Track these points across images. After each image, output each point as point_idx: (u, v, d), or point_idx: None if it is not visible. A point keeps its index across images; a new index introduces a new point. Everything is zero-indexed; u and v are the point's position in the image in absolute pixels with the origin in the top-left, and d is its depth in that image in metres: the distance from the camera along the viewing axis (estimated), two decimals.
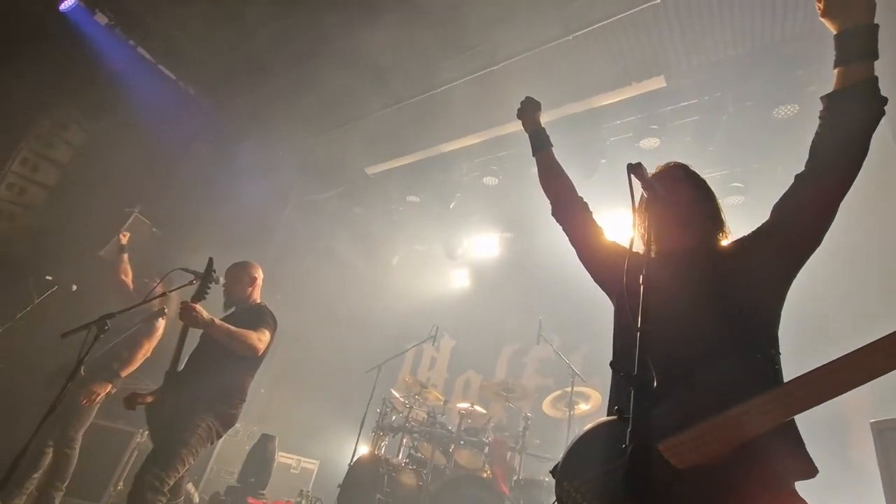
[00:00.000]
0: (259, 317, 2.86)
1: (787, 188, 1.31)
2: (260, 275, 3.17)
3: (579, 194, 1.84)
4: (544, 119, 2.28)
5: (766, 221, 1.34)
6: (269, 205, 6.79)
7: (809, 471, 1.06)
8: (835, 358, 0.84)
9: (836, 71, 1.23)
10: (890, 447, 2.00)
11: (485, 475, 4.14)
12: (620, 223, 6.70)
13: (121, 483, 4.47)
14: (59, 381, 2.07)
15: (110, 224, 5.26)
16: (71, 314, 3.53)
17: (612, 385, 1.41)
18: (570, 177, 1.96)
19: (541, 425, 4.90)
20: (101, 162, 5.57)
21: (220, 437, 2.72)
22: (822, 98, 1.28)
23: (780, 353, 1.21)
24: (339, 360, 7.30)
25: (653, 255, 1.39)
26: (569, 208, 1.80)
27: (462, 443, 4.46)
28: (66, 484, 3.27)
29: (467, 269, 8.02)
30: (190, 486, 4.71)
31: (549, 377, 6.20)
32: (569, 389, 4.36)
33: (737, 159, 5.14)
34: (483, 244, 7.47)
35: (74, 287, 4.04)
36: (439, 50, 4.70)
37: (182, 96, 5.94)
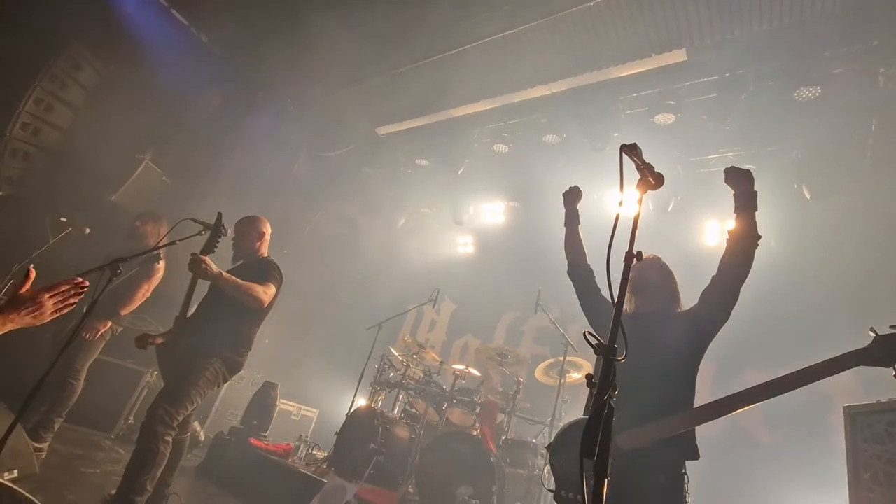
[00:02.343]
0: (265, 271, 2.95)
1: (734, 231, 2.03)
2: (268, 229, 3.24)
3: (587, 262, 2.51)
4: (559, 87, 2.62)
5: (695, 306, 2.00)
6: (278, 159, 6.80)
7: (695, 454, 1.77)
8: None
9: (734, 215, 2.02)
10: (858, 431, 2.09)
11: (474, 433, 4.34)
12: (627, 200, 6.63)
13: (131, 417, 4.74)
14: (69, 315, 2.18)
15: (122, 169, 5.34)
16: (83, 256, 3.65)
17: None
18: (582, 151, 2.74)
19: (532, 390, 5.08)
20: (113, 106, 5.57)
21: (226, 381, 2.88)
22: (728, 231, 2.02)
23: (693, 390, 1.90)
24: (342, 316, 7.50)
25: (629, 310, 2.16)
26: (579, 273, 2.47)
27: (455, 402, 4.65)
28: (66, 412, 3.47)
29: (472, 236, 8.08)
30: (196, 425, 4.99)
31: (545, 346, 6.36)
32: (562, 358, 4.49)
33: (752, 140, 5.06)
34: (489, 211, 7.49)
35: (88, 230, 4.15)
36: (457, 10, 4.58)
37: (195, 44, 5.86)
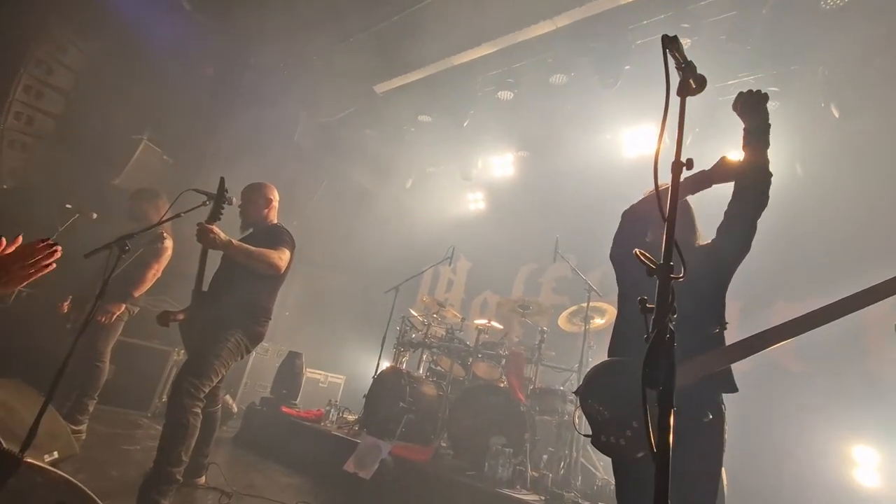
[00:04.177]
0: (277, 236, 2.87)
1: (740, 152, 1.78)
2: (275, 196, 3.14)
3: None
4: (564, 21, 2.29)
5: (715, 239, 1.85)
6: (279, 128, 6.61)
7: (734, 387, 1.67)
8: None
9: (743, 149, 1.77)
10: None
11: (502, 385, 4.34)
12: (643, 138, 6.35)
13: (164, 395, 4.85)
14: (85, 301, 2.14)
15: (121, 151, 5.22)
16: (93, 242, 3.61)
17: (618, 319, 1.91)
18: (592, 89, 2.53)
19: (556, 339, 5.04)
20: (103, 87, 5.40)
21: (248, 351, 2.86)
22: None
23: (725, 324, 1.75)
24: (359, 282, 7.49)
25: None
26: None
27: (480, 356, 4.64)
28: (97, 393, 3.52)
29: (482, 191, 7.90)
30: (228, 398, 5.09)
31: (564, 295, 6.28)
32: (585, 305, 4.41)
33: (775, 60, 4.72)
34: (498, 164, 7.26)
35: (95, 215, 4.09)
36: None
37: (179, 13, 5.58)
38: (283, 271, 2.78)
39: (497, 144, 6.97)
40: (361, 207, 7.80)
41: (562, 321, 4.75)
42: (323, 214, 7.22)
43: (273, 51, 5.97)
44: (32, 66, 5.17)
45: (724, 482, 2.66)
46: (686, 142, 5.44)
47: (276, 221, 3.12)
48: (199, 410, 2.45)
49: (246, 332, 2.71)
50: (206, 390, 2.49)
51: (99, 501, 1.55)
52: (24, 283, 1.19)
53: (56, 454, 2.56)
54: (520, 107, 5.89)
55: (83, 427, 3.39)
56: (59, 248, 1.23)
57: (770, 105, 4.95)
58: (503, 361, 4.55)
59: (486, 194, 7.90)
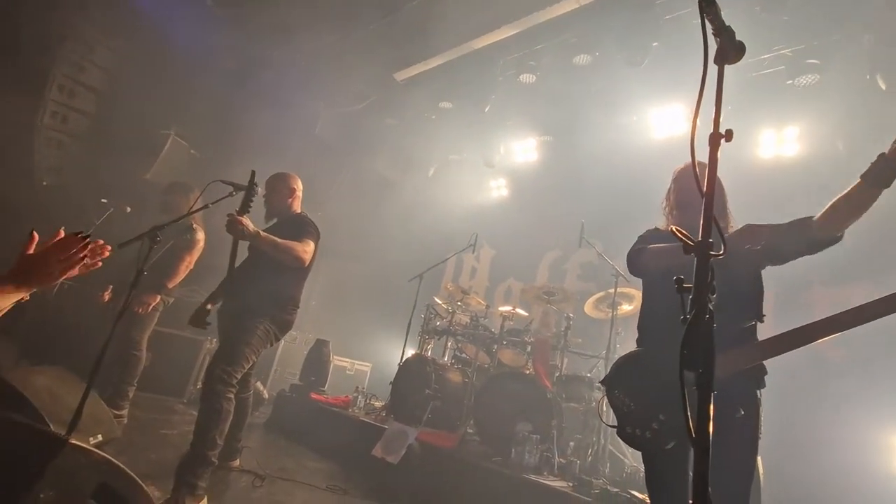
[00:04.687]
0: (302, 227, 2.90)
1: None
2: (299, 186, 3.16)
3: None
4: None
5: (762, 229, 1.69)
6: (301, 121, 6.66)
7: (764, 383, 1.63)
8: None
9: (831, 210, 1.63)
10: None
11: (527, 372, 4.32)
12: (672, 118, 6.12)
13: (199, 382, 5.01)
14: (122, 291, 2.21)
15: (151, 146, 5.36)
16: (128, 233, 3.73)
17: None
18: (618, 68, 2.56)
19: (583, 326, 4.97)
20: (132, 85, 5.54)
21: (277, 339, 2.92)
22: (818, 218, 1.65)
23: (762, 314, 1.69)
24: (383, 271, 7.54)
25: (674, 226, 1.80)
26: None
27: (505, 343, 4.62)
28: (136, 380, 3.66)
29: (505, 178, 7.80)
30: (259, 385, 5.23)
31: (590, 281, 6.18)
32: (612, 291, 4.33)
33: (814, 30, 4.46)
34: (521, 149, 7.15)
35: (129, 208, 4.22)
36: None
37: (201, 9, 5.64)
38: (308, 263, 2.82)
39: (519, 129, 6.85)
40: (384, 197, 7.82)
41: (588, 308, 4.68)
42: (346, 205, 7.28)
43: (293, 43, 5.99)
44: (65, 66, 5.34)
45: (761, 471, 2.59)
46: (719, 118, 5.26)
47: (300, 211, 3.15)
48: (231, 396, 2.51)
49: (274, 320, 2.76)
50: (238, 376, 2.56)
51: (140, 482, 1.61)
52: (64, 277, 1.21)
53: (100, 437, 2.67)
54: (542, 90, 5.76)
55: (124, 412, 3.54)
56: (100, 241, 1.26)
57: (807, 79, 4.69)
58: (529, 348, 4.52)
59: (508, 181, 7.80)
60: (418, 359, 4.68)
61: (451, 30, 5.37)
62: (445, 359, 5.42)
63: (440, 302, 5.66)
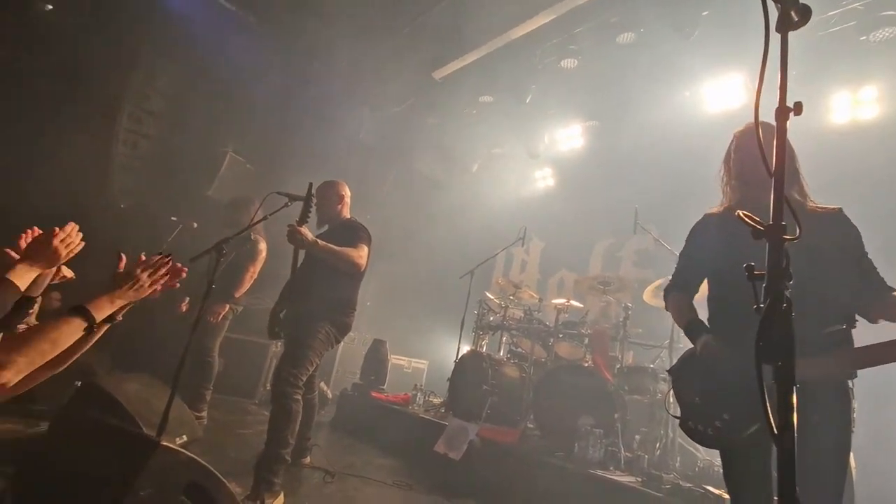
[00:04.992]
0: (354, 233, 2.99)
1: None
2: (347, 192, 3.26)
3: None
4: None
5: (850, 237, 1.56)
6: (344, 129, 6.84)
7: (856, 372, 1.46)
8: None
9: None
10: None
11: (586, 364, 4.22)
12: (727, 90, 5.77)
13: (267, 384, 5.29)
14: (196, 302, 2.38)
15: (211, 164, 5.71)
16: (197, 248, 4.00)
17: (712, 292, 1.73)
18: (666, 42, 2.24)
19: (643, 315, 4.79)
20: (190, 107, 5.92)
21: (338, 342, 3.03)
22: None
23: (855, 321, 1.51)
24: (433, 270, 7.61)
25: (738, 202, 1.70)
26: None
27: (561, 336, 4.54)
28: (212, 384, 3.92)
29: (551, 167, 7.64)
30: (322, 385, 5.45)
31: (647, 268, 5.94)
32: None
33: None
34: (565, 137, 6.98)
35: (195, 224, 4.53)
36: None
37: (245, 27, 5.93)
38: (363, 268, 2.91)
39: (563, 117, 6.69)
40: (430, 196, 7.89)
41: (647, 296, 4.50)
42: (393, 206, 7.41)
43: (333, 55, 6.15)
44: (132, 96, 5.79)
45: (853, 465, 2.39)
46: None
47: (349, 216, 3.24)
48: (299, 397, 2.64)
49: (334, 323, 2.87)
50: (304, 379, 2.69)
51: (224, 480, 1.73)
52: (150, 294, 1.36)
53: (185, 437, 2.89)
54: (585, 74, 5.59)
55: (204, 414, 3.81)
56: (178, 264, 1.41)
57: (885, 32, 4.25)
58: (586, 341, 4.42)
59: (554, 170, 7.64)
60: (474, 355, 4.69)
61: (486, 23, 5.32)
62: (501, 354, 5.40)
63: (492, 297, 5.64)
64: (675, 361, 2.09)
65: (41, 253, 1.43)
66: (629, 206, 4.73)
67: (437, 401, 5.19)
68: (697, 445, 3.72)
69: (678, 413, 1.65)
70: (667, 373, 1.94)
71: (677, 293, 1.81)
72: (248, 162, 6.02)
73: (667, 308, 1.88)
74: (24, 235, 1.52)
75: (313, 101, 6.43)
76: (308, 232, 2.66)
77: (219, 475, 1.77)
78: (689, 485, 2.99)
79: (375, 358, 5.46)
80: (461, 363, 4.72)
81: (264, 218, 2.76)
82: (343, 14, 5.48)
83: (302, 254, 2.86)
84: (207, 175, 5.78)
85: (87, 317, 1.21)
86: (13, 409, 3.03)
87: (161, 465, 1.55)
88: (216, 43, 5.62)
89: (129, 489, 1.47)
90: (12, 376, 1.03)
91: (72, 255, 1.53)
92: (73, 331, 1.17)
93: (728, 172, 1.77)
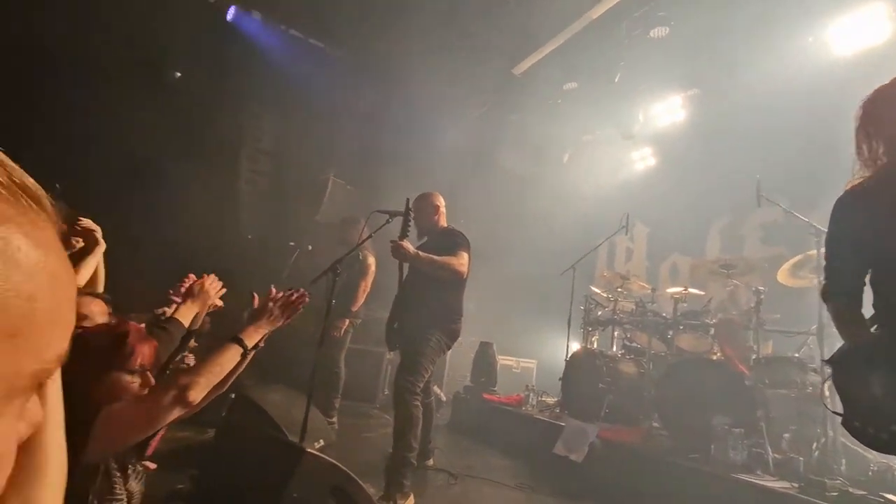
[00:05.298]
0: (453, 241, 3.06)
1: None
2: (441, 202, 3.35)
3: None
4: None
5: None
6: (431, 138, 7.04)
7: None
8: None
9: None
10: None
11: (715, 357, 3.85)
12: (863, 21, 4.96)
13: (385, 389, 5.61)
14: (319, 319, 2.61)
15: (316, 191, 6.23)
16: (315, 269, 4.39)
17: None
18: None
19: (778, 298, 4.24)
20: (292, 141, 6.53)
21: (448, 348, 3.13)
22: None
23: None
24: (533, 268, 7.48)
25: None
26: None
27: (681, 327, 4.19)
28: (340, 393, 4.25)
29: (649, 146, 7.12)
30: (436, 388, 5.64)
31: (778, 245, 5.24)
32: (812, 253, 3.60)
33: None
34: (663, 111, 6.46)
35: (310, 247, 4.97)
36: None
37: (330, 61, 6.38)
38: (465, 274, 2.96)
39: (659, 90, 6.20)
40: (522, 192, 7.78)
41: (783, 276, 3.97)
42: (487, 208, 7.41)
43: (411, 70, 6.35)
44: (248, 139, 6.55)
45: None
46: None
47: (446, 225, 3.32)
48: (419, 403, 2.77)
49: (443, 331, 2.96)
50: (421, 385, 2.81)
51: (362, 484, 1.87)
52: (283, 322, 1.55)
53: (322, 442, 3.17)
54: (679, 40, 5.12)
55: (335, 420, 4.15)
56: (303, 291, 1.61)
57: None
58: (712, 331, 4.03)
59: (654, 149, 7.10)
60: (586, 352, 4.53)
61: (561, 8, 5.13)
62: (614, 350, 5.14)
63: (598, 291, 5.40)
64: (827, 350, 1.82)
65: (197, 296, 1.80)
66: (748, 177, 4.21)
67: (550, 401, 5.09)
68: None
69: (838, 409, 1.43)
70: (824, 363, 1.66)
71: (842, 301, 1.50)
72: (348, 184, 6.47)
73: (831, 316, 1.59)
74: (184, 281, 1.88)
75: (399, 118, 6.71)
76: (409, 245, 2.78)
77: (357, 479, 1.91)
78: (861, 492, 2.57)
79: (484, 360, 5.52)
80: (573, 361, 4.58)
81: (369, 236, 2.94)
82: (414, 32, 5.63)
83: (406, 266, 3.00)
84: (314, 201, 6.31)
85: (242, 344, 1.42)
86: (185, 419, 3.58)
87: (308, 469, 1.72)
88: (307, 78, 6.14)
89: (284, 491, 1.65)
90: (197, 396, 1.25)
91: (218, 295, 1.91)
92: (233, 356, 1.39)
93: (869, 135, 1.48)
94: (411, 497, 2.66)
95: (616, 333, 5.21)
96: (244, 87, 6.14)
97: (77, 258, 2.38)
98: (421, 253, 2.83)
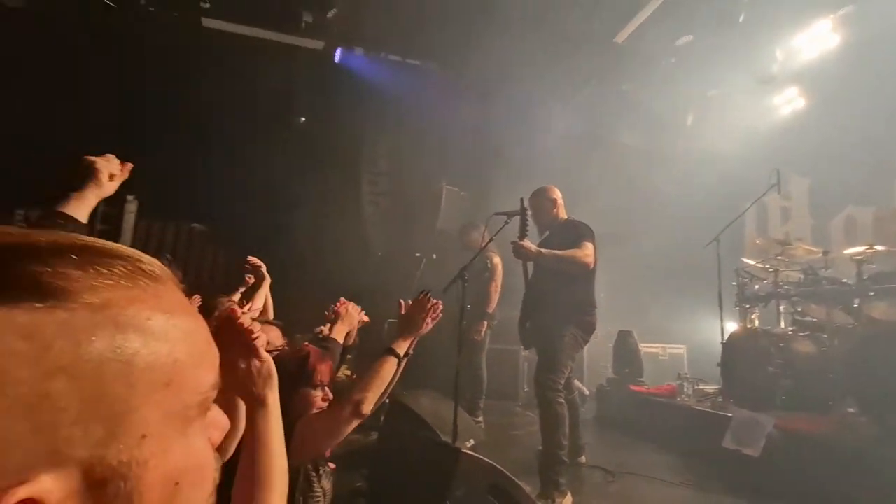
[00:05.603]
0: (576, 233, 2.97)
1: None
2: (557, 194, 3.27)
3: None
4: None
5: None
6: (541, 129, 6.87)
7: None
8: None
9: None
10: None
11: None
12: None
13: (525, 386, 5.63)
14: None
15: (433, 201, 6.52)
16: (443, 278, 4.60)
17: None
18: None
19: None
20: (405, 157, 6.93)
21: (585, 342, 3.05)
22: None
23: None
24: (669, 245, 6.87)
25: None
26: None
27: (871, 294, 3.49)
28: (483, 393, 4.37)
29: (795, 85, 6.07)
30: (577, 383, 5.49)
31: None
32: None
33: None
34: (809, 41, 5.46)
35: (434, 256, 5.22)
36: None
37: (430, 75, 6.63)
38: (593, 265, 2.86)
39: (799, 19, 5.27)
40: (644, 166, 7.19)
41: None
42: (607, 190, 7.00)
43: (508, 66, 6.29)
44: (367, 166, 7.14)
45: None
46: None
47: (566, 217, 3.23)
48: (562, 400, 2.74)
49: (578, 325, 2.89)
50: (563, 382, 2.78)
51: (518, 483, 1.92)
52: (426, 329, 1.67)
53: (472, 441, 3.31)
54: None
55: (481, 419, 4.29)
56: (436, 302, 1.72)
57: None
58: None
59: (801, 88, 6.03)
60: (746, 333, 4.03)
61: None
62: (782, 326, 4.47)
63: (751, 262, 4.75)
64: None
65: (344, 317, 2.09)
66: None
67: (709, 389, 4.61)
68: None
69: None
70: None
71: None
72: (461, 189, 6.65)
73: None
74: (339, 303, 2.16)
75: (502, 116, 6.70)
76: (530, 245, 2.78)
77: (513, 478, 1.96)
78: None
79: (625, 349, 5.22)
80: (732, 344, 4.11)
81: (490, 239, 2.99)
82: (503, 30, 5.56)
83: (531, 264, 2.99)
84: (432, 211, 6.60)
85: (395, 354, 1.58)
86: None
87: (467, 469, 1.82)
88: (410, 97, 6.46)
89: (448, 490, 1.77)
90: (368, 408, 1.45)
91: (361, 315, 2.18)
92: (391, 367, 1.56)
93: None
94: (569, 495, 2.64)
95: (782, 308, 4.53)
96: (358, 118, 6.70)
97: (250, 292, 2.86)
98: (544, 250, 2.81)
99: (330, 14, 5.53)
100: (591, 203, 6.06)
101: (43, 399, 0.25)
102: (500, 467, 1.91)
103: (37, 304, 0.27)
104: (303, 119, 6.89)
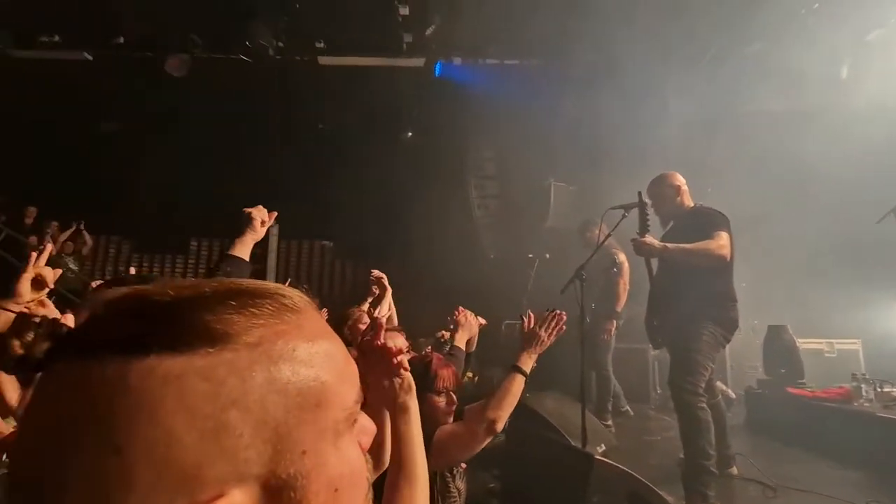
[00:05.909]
0: (706, 221, 2.70)
1: None
2: (680, 180, 3.00)
3: None
4: None
5: None
6: (652, 113, 6.36)
7: None
8: None
9: None
10: None
11: None
12: None
13: (657, 387, 5.23)
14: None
15: (542, 199, 6.41)
16: (558, 278, 4.49)
17: None
18: None
19: None
20: (509, 159, 6.92)
21: (727, 340, 2.76)
22: None
23: None
24: (827, 220, 5.84)
25: None
26: None
27: None
28: (611, 395, 4.17)
29: None
30: (721, 385, 4.95)
31: None
32: None
33: None
34: None
35: (547, 255, 5.13)
36: None
37: (528, 73, 6.52)
38: (729, 257, 2.58)
39: None
40: (790, 131, 6.16)
41: None
42: (742, 165, 6.18)
43: (610, 55, 5.93)
44: (473, 171, 7.30)
45: None
46: None
47: (692, 204, 2.95)
48: (703, 405, 2.50)
49: (717, 321, 2.62)
50: (703, 385, 2.53)
51: (658, 492, 1.81)
52: (549, 343, 1.69)
53: (603, 446, 3.18)
54: None
55: (610, 423, 4.10)
56: (559, 313, 1.78)
57: None
58: None
59: None
60: None
61: None
62: None
63: None
64: None
65: (464, 325, 2.26)
66: None
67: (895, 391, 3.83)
68: None
69: None
70: None
71: None
72: (570, 185, 6.43)
73: None
74: (458, 312, 2.30)
75: (608, 105, 6.32)
76: (653, 240, 2.59)
77: (652, 486, 1.85)
78: None
79: (778, 347, 4.57)
80: None
81: (608, 235, 2.86)
82: (605, 10, 5.26)
83: (655, 259, 2.78)
84: (542, 209, 6.49)
85: (522, 372, 1.67)
86: None
87: (601, 476, 1.76)
88: (512, 97, 6.44)
89: (583, 497, 1.73)
90: (501, 425, 1.59)
91: (478, 321, 2.34)
92: (521, 384, 1.65)
93: None
94: None
95: None
96: (461, 125, 6.89)
97: (377, 301, 3.09)
98: (669, 245, 2.59)
99: (428, 31, 5.77)
100: (721, 185, 5.43)
101: (223, 428, 0.30)
102: (639, 477, 1.82)
103: (209, 350, 0.32)
104: (409, 134, 7.29)
